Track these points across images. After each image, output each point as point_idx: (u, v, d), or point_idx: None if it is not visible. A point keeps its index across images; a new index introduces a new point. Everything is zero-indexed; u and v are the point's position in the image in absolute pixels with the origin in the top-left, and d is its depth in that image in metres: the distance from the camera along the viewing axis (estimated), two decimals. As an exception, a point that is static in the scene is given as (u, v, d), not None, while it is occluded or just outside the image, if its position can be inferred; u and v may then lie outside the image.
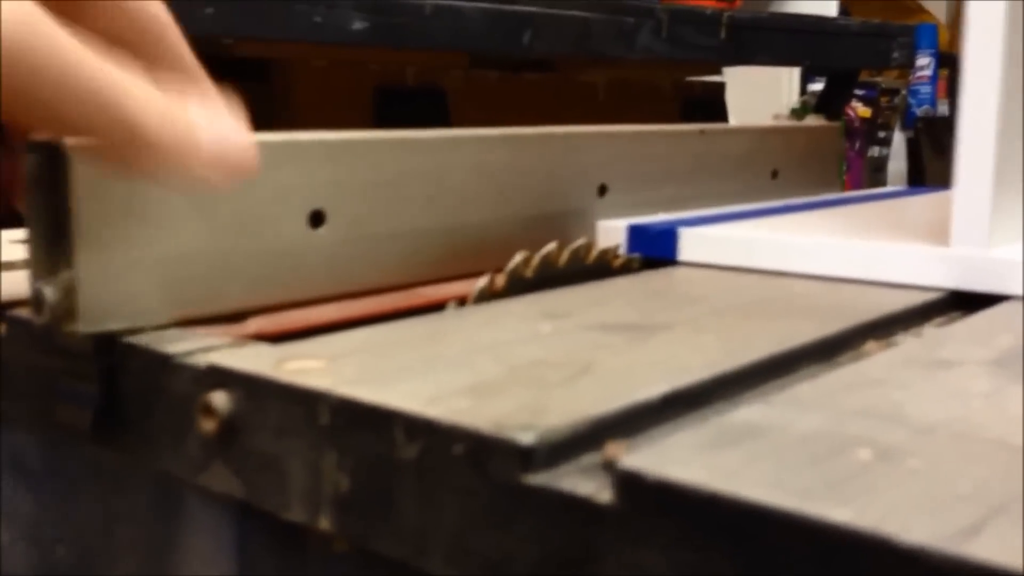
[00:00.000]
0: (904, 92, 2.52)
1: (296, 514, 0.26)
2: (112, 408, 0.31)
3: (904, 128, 2.47)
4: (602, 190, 0.49)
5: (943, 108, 2.69)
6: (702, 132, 0.54)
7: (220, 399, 0.27)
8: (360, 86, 1.04)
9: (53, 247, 0.30)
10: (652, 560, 0.19)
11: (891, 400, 0.24)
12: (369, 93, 1.04)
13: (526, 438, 0.22)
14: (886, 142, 2.38)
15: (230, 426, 0.27)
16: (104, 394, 0.31)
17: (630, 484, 0.20)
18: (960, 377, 0.26)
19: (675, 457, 0.20)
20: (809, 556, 0.18)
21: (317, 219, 0.37)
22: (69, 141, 0.29)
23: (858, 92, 2.29)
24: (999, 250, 0.38)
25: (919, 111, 2.65)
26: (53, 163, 0.30)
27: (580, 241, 0.43)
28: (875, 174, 2.34)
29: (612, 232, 0.48)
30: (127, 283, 0.31)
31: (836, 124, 0.64)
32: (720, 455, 0.20)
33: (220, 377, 0.28)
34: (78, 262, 0.30)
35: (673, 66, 1.30)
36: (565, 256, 0.43)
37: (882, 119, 2.40)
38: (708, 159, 0.55)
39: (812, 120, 0.77)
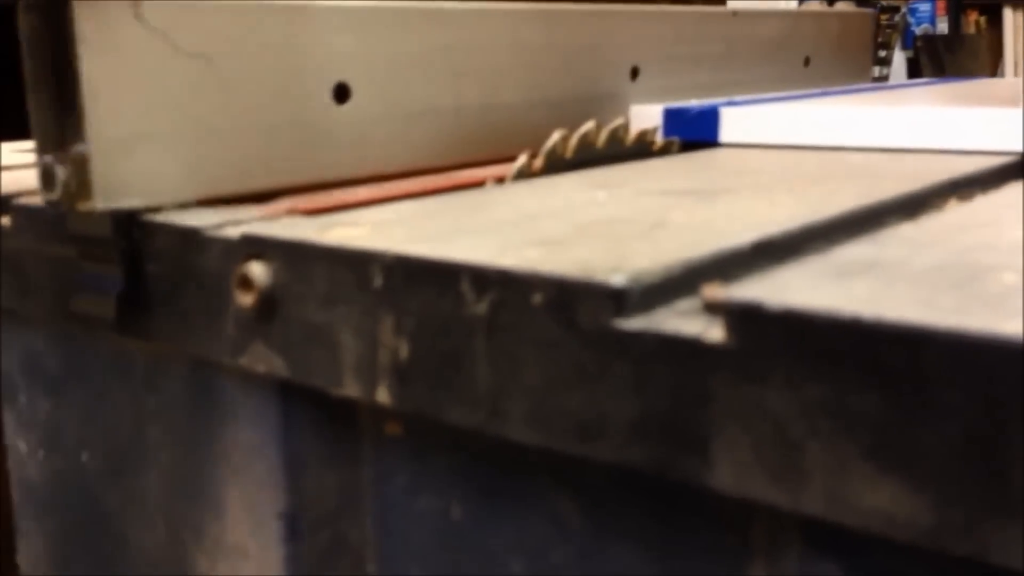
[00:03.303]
0: (904, 10, 2.47)
1: (350, 388, 0.24)
2: (137, 294, 0.29)
3: (904, 48, 2.43)
4: (634, 73, 0.46)
5: (942, 26, 2.64)
6: (734, 14, 0.51)
7: (258, 270, 0.25)
8: None
9: (61, 116, 0.28)
10: (778, 400, 0.17)
11: (1012, 237, 0.22)
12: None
13: (617, 279, 0.19)
14: (886, 61, 2.34)
15: (270, 299, 0.25)
16: (128, 279, 0.29)
17: (748, 318, 0.17)
18: (1076, 216, 0.24)
19: (796, 288, 0.18)
20: (972, 380, 0.15)
21: (342, 93, 0.34)
22: (75, -6, 0.26)
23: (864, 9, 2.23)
24: (1076, 109, 0.35)
25: (918, 30, 2.61)
26: (55, 18, 0.27)
27: (618, 121, 0.41)
28: (877, 93, 2.30)
29: (647, 117, 0.45)
30: (146, 156, 0.29)
31: (869, 11, 0.61)
32: (846, 284, 0.18)
33: (257, 246, 0.25)
34: (90, 132, 0.27)
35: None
36: (604, 136, 0.40)
37: (882, 38, 2.35)
38: (740, 44, 0.52)
39: (844, 6, 0.73)
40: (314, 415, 0.27)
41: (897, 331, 0.16)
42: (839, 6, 0.63)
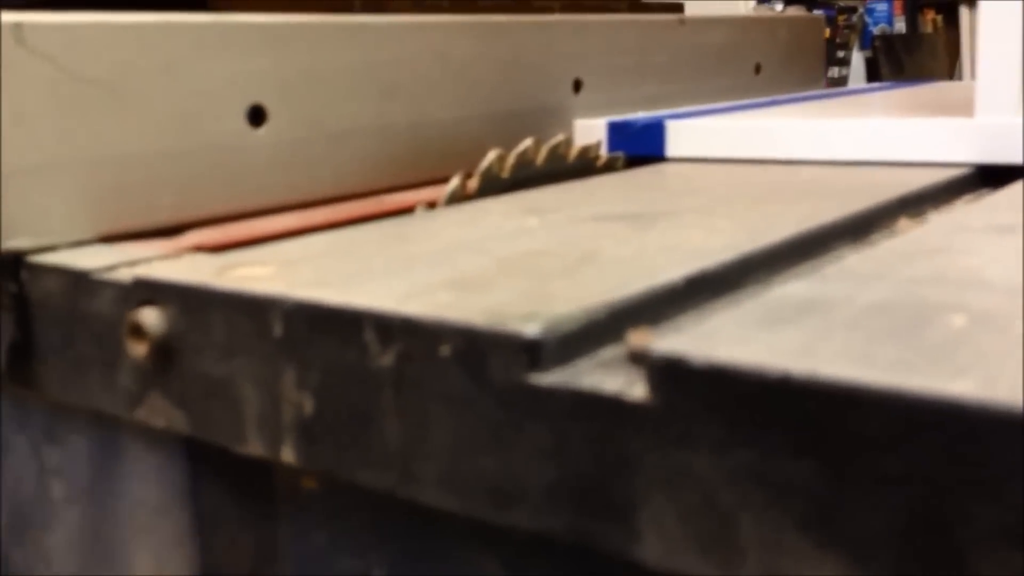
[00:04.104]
0: (861, 11, 2.48)
1: (254, 446, 0.22)
2: (27, 341, 0.26)
3: (862, 48, 2.43)
4: (577, 86, 0.45)
5: (900, 25, 2.65)
6: (681, 23, 0.50)
7: (150, 317, 0.23)
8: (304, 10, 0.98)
9: (-60, 151, 0.25)
10: (706, 466, 0.15)
11: (962, 265, 0.20)
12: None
13: (531, 329, 0.17)
14: (845, 62, 2.34)
15: (165, 348, 0.23)
16: (18, 326, 0.26)
17: (671, 373, 0.16)
18: (1031, 240, 0.22)
19: (724, 337, 0.16)
20: (916, 446, 0.13)
21: (257, 116, 0.32)
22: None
23: (816, 12, 2.24)
24: (1029, 117, 0.34)
25: (876, 30, 2.62)
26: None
27: (559, 137, 0.39)
28: (835, 94, 2.30)
29: (590, 131, 0.43)
30: (36, 191, 0.26)
31: (819, 15, 0.60)
32: (780, 333, 0.16)
33: (149, 291, 0.23)
34: (-28, 168, 0.25)
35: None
36: (543, 154, 0.38)
37: (840, 39, 2.36)
38: (688, 52, 0.50)
39: (795, 10, 0.72)
40: (224, 470, 0.25)
41: (831, 390, 0.14)
42: (790, 11, 0.62)
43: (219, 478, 0.25)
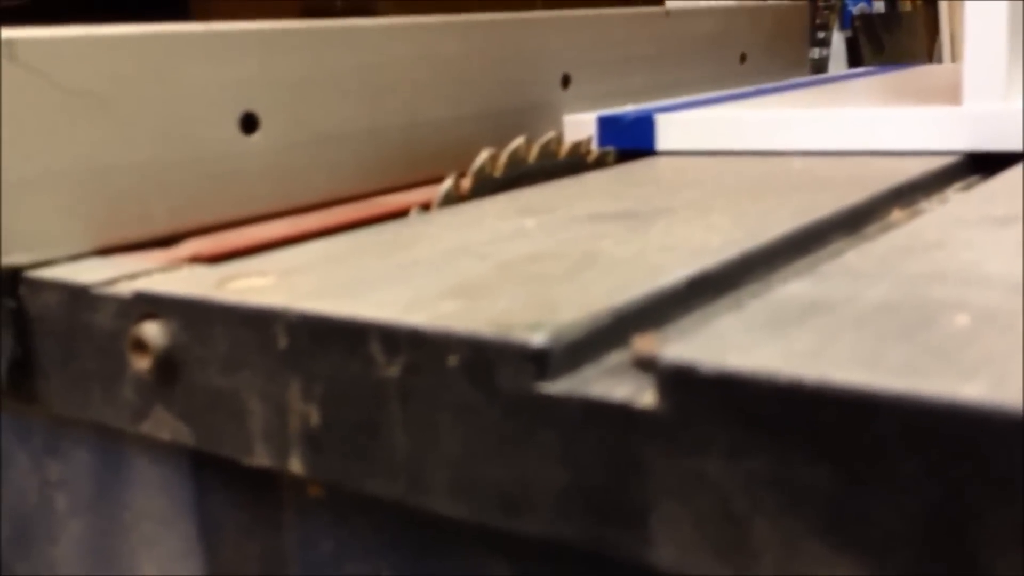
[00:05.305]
0: (840, -10, 2.48)
1: (261, 457, 0.22)
2: (27, 357, 0.26)
3: (842, 28, 2.44)
4: (565, 81, 0.45)
5: (879, 5, 2.66)
6: (667, 14, 0.50)
7: (153, 331, 0.23)
8: (285, 10, 0.97)
9: (-67, 169, 0.25)
10: (719, 472, 0.15)
11: (962, 260, 0.20)
12: (296, 16, 0.97)
13: (538, 338, 0.17)
14: (825, 43, 2.35)
15: (169, 362, 0.23)
16: (17, 341, 0.26)
17: (680, 381, 0.16)
18: (1027, 232, 0.23)
19: (731, 343, 0.16)
20: (930, 450, 0.14)
21: (250, 123, 0.32)
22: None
23: (796, -7, 2.24)
24: (1016, 103, 0.34)
25: (855, 9, 2.62)
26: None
27: (549, 135, 0.39)
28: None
29: (580, 126, 0.43)
30: (32, 206, 0.26)
31: (803, 3, 0.60)
32: (787, 336, 0.16)
33: (150, 305, 0.23)
34: (-34, 185, 0.25)
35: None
36: (535, 152, 0.38)
37: (820, 19, 2.36)
38: (674, 44, 0.50)
39: (778, -1, 0.72)
40: (229, 480, 0.25)
41: (843, 396, 0.14)
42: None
43: (224, 487, 0.25)
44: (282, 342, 0.21)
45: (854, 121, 0.36)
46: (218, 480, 0.25)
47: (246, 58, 0.31)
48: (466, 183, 0.35)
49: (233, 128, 0.31)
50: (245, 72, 0.31)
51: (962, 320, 0.16)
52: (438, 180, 0.35)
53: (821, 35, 2.33)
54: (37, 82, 0.26)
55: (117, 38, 0.28)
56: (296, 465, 0.21)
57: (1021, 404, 0.13)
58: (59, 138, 0.27)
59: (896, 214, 0.29)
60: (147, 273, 0.25)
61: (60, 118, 0.27)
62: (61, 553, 0.29)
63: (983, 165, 0.34)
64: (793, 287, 0.19)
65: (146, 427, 0.24)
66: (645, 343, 0.18)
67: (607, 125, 0.43)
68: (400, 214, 0.33)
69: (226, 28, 0.31)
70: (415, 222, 0.30)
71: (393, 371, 0.19)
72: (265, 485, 0.25)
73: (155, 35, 0.29)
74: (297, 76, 0.33)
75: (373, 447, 0.20)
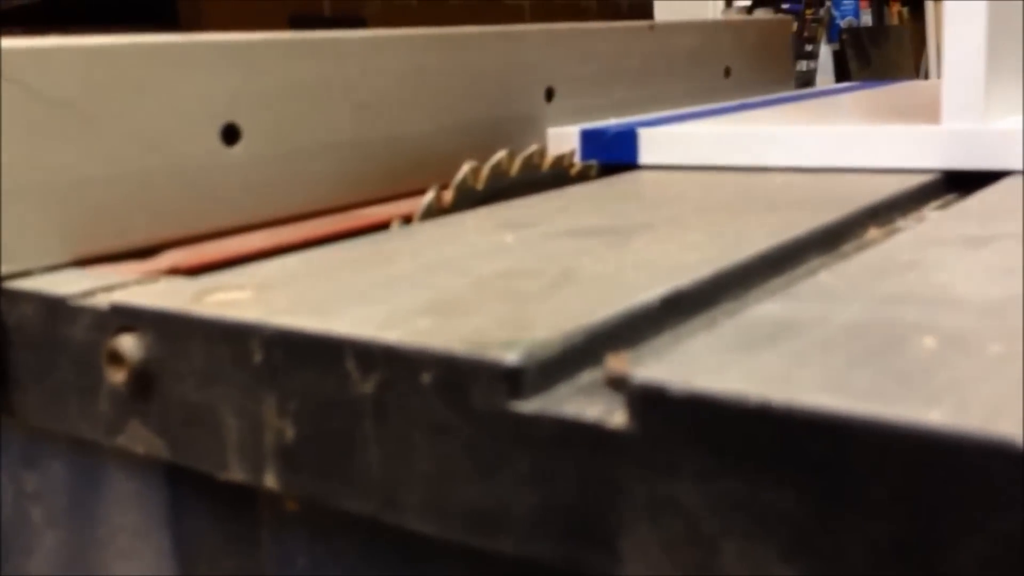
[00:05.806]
0: (828, 4, 2.50)
1: (235, 472, 0.22)
2: (3, 368, 0.26)
3: (829, 41, 2.45)
4: (549, 94, 0.45)
5: (866, 18, 2.67)
6: (651, 28, 0.50)
7: (129, 344, 0.23)
8: (273, 17, 0.97)
9: (-90, 179, 0.25)
10: (689, 494, 0.15)
11: (934, 282, 0.21)
12: (284, 24, 0.97)
13: (511, 357, 0.18)
14: (813, 55, 2.36)
15: (145, 375, 0.23)
16: (-7, 352, 0.26)
17: (650, 402, 0.16)
18: (1000, 253, 0.23)
19: (702, 364, 0.16)
20: (896, 475, 0.14)
21: (231, 134, 0.32)
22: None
23: (784, 6, 2.25)
24: (995, 124, 0.35)
25: (842, 23, 2.63)
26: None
27: (532, 148, 0.39)
28: (804, 88, 2.32)
29: (563, 139, 0.43)
30: (11, 215, 0.26)
31: (787, 17, 0.60)
32: (756, 358, 0.17)
33: (126, 318, 0.23)
34: (-57, 195, 0.25)
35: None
36: (517, 165, 0.38)
37: (808, 32, 2.37)
38: (658, 58, 0.51)
39: (762, 14, 0.73)
40: (205, 494, 0.25)
41: (810, 419, 0.14)
42: (758, 13, 0.62)
43: (200, 501, 0.25)
44: (258, 357, 0.21)
45: (834, 138, 0.36)
46: (194, 495, 0.25)
47: (228, 69, 0.31)
48: (448, 196, 0.35)
49: (214, 139, 0.31)
50: (227, 83, 0.31)
51: (930, 343, 0.16)
52: (420, 192, 0.35)
53: (809, 48, 2.34)
54: (16, 92, 0.26)
55: (97, 49, 0.28)
56: (271, 480, 0.21)
57: (983, 429, 0.13)
58: (38, 148, 0.27)
59: (872, 232, 0.29)
60: (124, 285, 0.25)
61: (39, 128, 0.27)
62: (36, 565, 0.29)
63: (961, 183, 0.34)
64: (766, 308, 0.19)
65: (121, 440, 0.24)
66: (617, 362, 0.18)
67: (590, 139, 0.43)
68: (381, 227, 0.33)
69: (207, 39, 0.31)
70: (395, 236, 0.30)
71: (368, 388, 0.19)
72: (242, 500, 0.25)
73: (136, 46, 0.29)
74: (279, 88, 0.33)
75: (347, 464, 0.20)
